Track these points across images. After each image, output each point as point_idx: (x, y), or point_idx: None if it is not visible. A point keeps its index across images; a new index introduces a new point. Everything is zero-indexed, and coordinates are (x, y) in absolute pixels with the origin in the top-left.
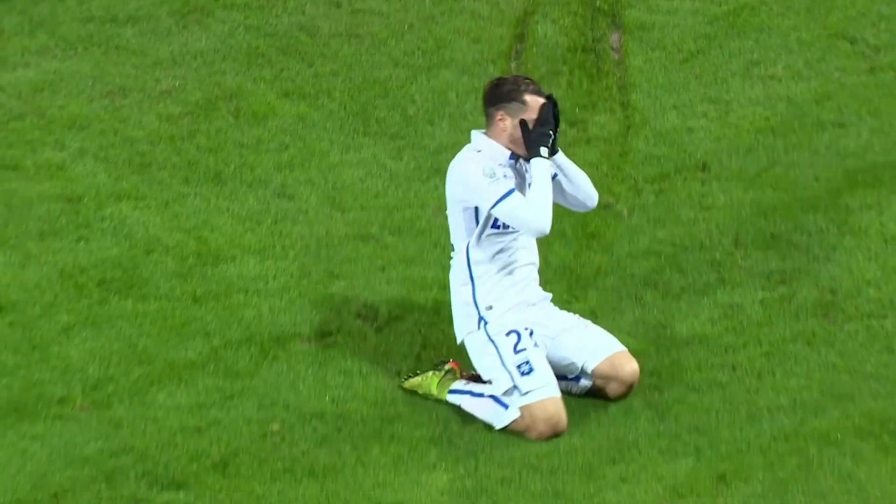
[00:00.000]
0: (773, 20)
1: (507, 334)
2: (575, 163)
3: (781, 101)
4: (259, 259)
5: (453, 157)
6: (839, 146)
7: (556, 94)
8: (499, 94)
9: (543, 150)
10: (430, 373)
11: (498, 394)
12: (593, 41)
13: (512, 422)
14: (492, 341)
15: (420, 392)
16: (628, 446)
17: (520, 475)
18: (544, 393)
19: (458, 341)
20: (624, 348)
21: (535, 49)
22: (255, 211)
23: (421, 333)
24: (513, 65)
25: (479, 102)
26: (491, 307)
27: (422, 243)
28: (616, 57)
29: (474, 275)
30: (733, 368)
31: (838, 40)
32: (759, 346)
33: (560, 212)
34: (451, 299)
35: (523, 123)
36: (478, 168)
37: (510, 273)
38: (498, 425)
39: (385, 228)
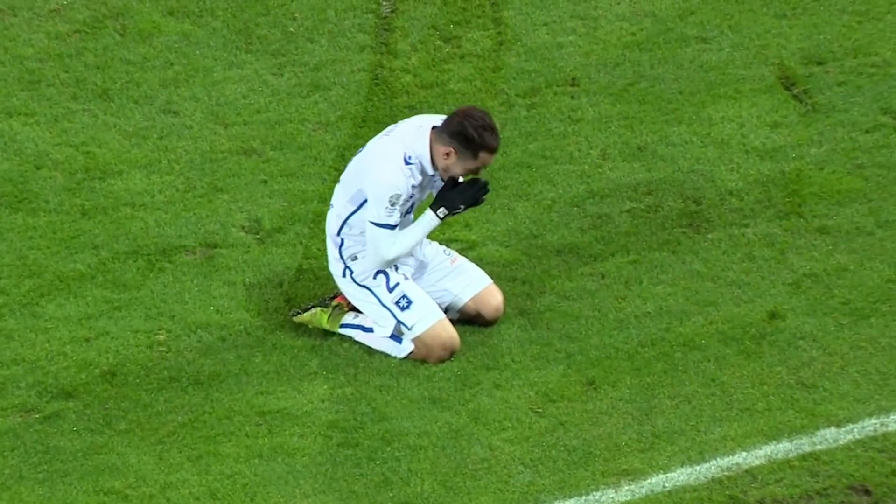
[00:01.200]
0: None
1: (375, 276)
2: (450, 79)
3: (647, 17)
4: (145, 173)
5: (333, 73)
6: (702, 60)
7: (431, 11)
8: (463, 133)
9: (442, 213)
10: (318, 309)
11: (387, 335)
12: None
13: (409, 354)
14: (363, 287)
15: (311, 326)
16: (502, 353)
17: (398, 382)
18: (430, 320)
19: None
20: (489, 282)
21: None
22: (142, 126)
23: (302, 244)
24: None
25: (358, 20)
26: (355, 258)
27: (302, 157)
28: None
29: (343, 235)
30: (602, 276)
31: None
32: (627, 255)
33: None
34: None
35: (453, 181)
36: (390, 189)
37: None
38: (397, 356)
39: (267, 143)
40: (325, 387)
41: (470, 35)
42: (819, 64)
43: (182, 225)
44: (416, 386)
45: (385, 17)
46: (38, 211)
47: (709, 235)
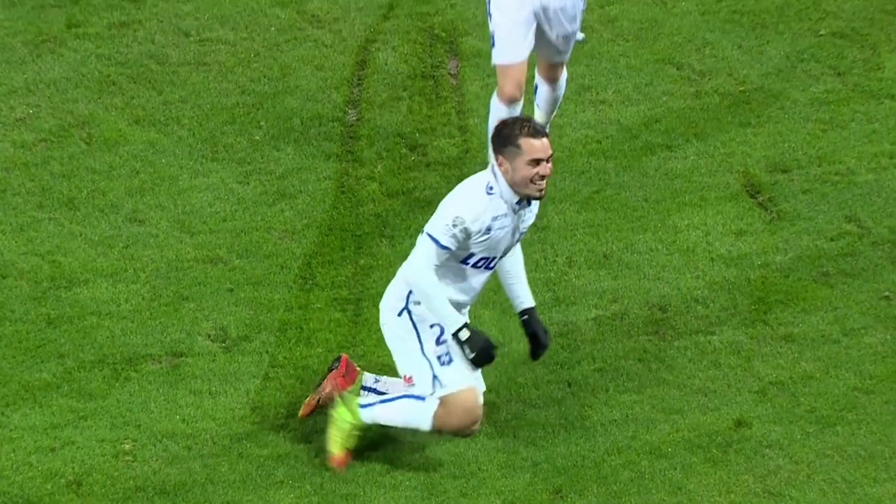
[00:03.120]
0: (604, 46)
1: (431, 326)
2: (416, 187)
3: (612, 125)
4: (111, 282)
5: (299, 181)
6: (667, 168)
7: (396, 119)
8: (498, 139)
9: (457, 334)
10: (335, 418)
11: (424, 393)
12: (432, 68)
13: (433, 413)
14: (415, 328)
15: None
16: (468, 462)
17: (364, 491)
18: (464, 383)
19: (381, 321)
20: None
21: (376, 76)
22: (108, 235)
23: (269, 353)
24: (355, 90)
25: (324, 129)
26: (419, 303)
27: (268, 266)
28: (454, 83)
29: None
30: (568, 384)
31: (665, 66)
32: (593, 363)
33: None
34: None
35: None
36: (458, 210)
37: (449, 286)
38: (424, 426)
39: (233, 251)
40: (292, 496)
41: (436, 143)
42: (784, 172)
43: (148, 334)
44: (383, 495)
45: (351, 126)
46: (3, 320)
47: (675, 343)
